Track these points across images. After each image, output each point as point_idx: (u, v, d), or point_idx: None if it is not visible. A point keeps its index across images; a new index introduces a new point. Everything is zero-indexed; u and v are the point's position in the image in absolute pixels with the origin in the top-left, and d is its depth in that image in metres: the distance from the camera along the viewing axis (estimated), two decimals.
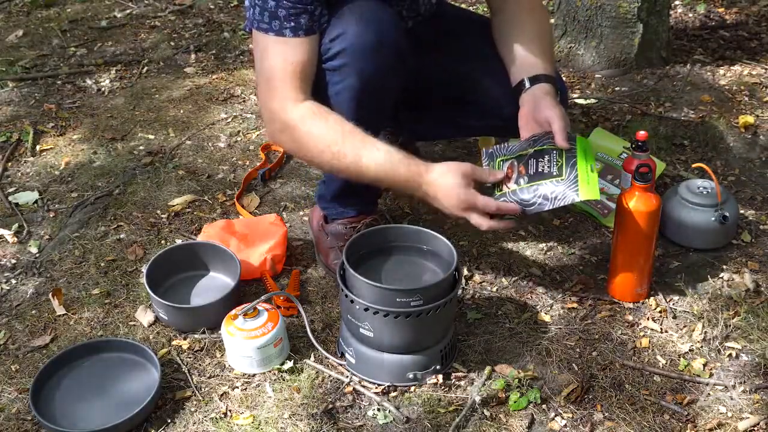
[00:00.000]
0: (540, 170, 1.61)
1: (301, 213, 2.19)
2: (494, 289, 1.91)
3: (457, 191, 1.58)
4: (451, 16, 2.02)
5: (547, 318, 1.82)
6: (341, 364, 1.69)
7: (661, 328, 1.78)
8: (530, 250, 2.04)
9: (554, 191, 1.58)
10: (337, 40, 1.63)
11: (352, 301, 1.58)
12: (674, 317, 1.81)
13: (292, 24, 1.61)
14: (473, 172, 1.60)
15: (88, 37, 3.37)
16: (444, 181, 1.59)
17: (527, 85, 1.72)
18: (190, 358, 1.74)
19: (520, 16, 1.83)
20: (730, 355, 1.71)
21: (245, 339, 1.65)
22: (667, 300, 1.86)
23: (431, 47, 1.92)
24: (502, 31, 1.84)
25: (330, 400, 1.61)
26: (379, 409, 1.59)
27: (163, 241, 2.10)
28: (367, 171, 1.63)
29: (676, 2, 3.38)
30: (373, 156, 1.61)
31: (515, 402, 1.59)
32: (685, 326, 1.79)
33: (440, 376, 1.65)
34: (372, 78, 1.64)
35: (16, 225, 2.17)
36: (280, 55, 1.64)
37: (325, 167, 1.72)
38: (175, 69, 3.07)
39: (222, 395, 1.64)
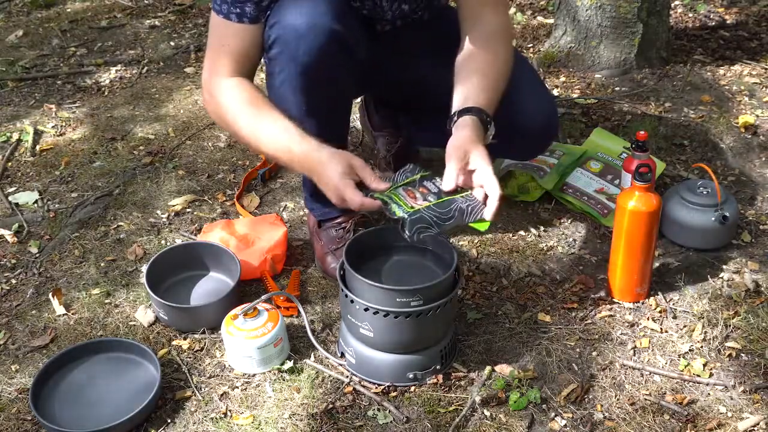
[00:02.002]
0: (440, 189, 1.57)
1: (301, 213, 2.19)
2: (494, 289, 1.91)
3: (336, 180, 1.54)
4: (449, 23, 1.98)
5: (547, 318, 1.82)
6: (341, 364, 1.69)
7: (661, 328, 1.78)
8: (530, 250, 2.04)
9: (467, 204, 1.54)
10: (273, 27, 1.65)
11: (352, 301, 1.58)
12: (674, 317, 1.81)
13: (238, 10, 1.65)
14: (361, 168, 1.56)
15: (88, 37, 3.37)
16: (329, 165, 1.56)
17: (455, 118, 1.66)
18: (190, 358, 1.74)
19: (476, 47, 1.74)
20: (730, 355, 1.71)
21: (245, 339, 1.65)
22: (667, 300, 1.86)
23: (426, 53, 1.90)
24: (457, 59, 1.75)
25: (330, 400, 1.61)
26: (379, 409, 1.59)
27: (163, 241, 2.10)
28: (265, 146, 1.66)
29: (676, 2, 3.38)
30: (269, 131, 1.63)
31: (515, 402, 1.59)
32: (685, 326, 1.79)
33: (440, 376, 1.65)
34: (307, 64, 1.63)
35: (16, 225, 2.17)
36: (222, 36, 1.69)
37: (238, 140, 1.82)
38: (175, 69, 3.07)
39: (222, 395, 1.64)
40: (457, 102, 1.66)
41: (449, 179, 1.55)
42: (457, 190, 1.55)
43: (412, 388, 1.64)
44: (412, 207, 1.52)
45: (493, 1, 1.75)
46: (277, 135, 1.62)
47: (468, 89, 1.67)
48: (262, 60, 1.75)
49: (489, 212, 1.51)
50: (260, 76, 2.08)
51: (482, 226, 1.53)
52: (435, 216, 1.51)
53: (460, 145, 1.57)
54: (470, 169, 1.55)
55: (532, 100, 1.84)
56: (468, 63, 1.72)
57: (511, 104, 1.76)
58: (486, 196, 1.52)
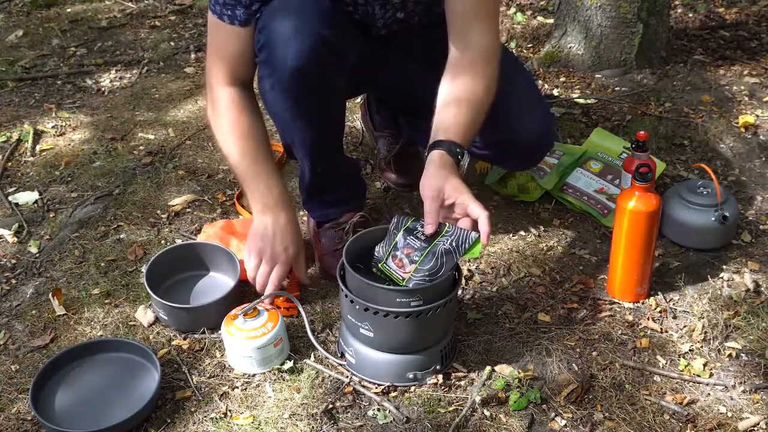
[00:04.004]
0: (422, 239, 1.58)
1: (301, 213, 2.19)
2: (494, 289, 1.91)
3: (295, 241, 1.80)
4: (445, 28, 1.95)
5: (547, 318, 1.82)
6: (341, 364, 1.69)
7: (661, 328, 1.78)
8: (530, 250, 2.03)
9: (451, 241, 1.55)
10: (262, 32, 1.66)
11: (352, 301, 1.58)
12: (674, 317, 1.81)
13: (229, 13, 1.67)
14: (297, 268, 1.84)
15: (88, 37, 3.37)
16: (294, 226, 1.80)
17: (426, 153, 1.63)
18: (190, 358, 1.74)
19: (460, 69, 1.69)
20: (730, 355, 1.71)
21: (245, 339, 1.65)
22: (667, 300, 1.86)
23: (421, 57, 1.88)
24: (441, 81, 1.71)
25: (330, 400, 1.61)
26: (379, 409, 1.59)
27: (163, 241, 2.10)
28: (235, 170, 1.81)
29: (676, 2, 3.38)
30: (254, 178, 1.78)
31: (515, 402, 1.59)
32: (685, 326, 1.79)
33: (440, 376, 1.65)
34: (296, 68, 1.63)
35: (16, 225, 2.17)
36: (217, 38, 1.73)
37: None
38: (175, 69, 3.07)
39: (222, 395, 1.64)
40: (432, 133, 1.64)
41: (429, 222, 1.56)
42: (437, 231, 1.57)
43: (412, 388, 1.64)
44: (402, 278, 1.57)
45: (481, 20, 1.69)
46: (258, 176, 1.78)
47: (442, 120, 1.64)
48: None
49: (484, 236, 1.51)
50: None
51: (474, 254, 1.55)
52: (426, 275, 1.55)
53: (432, 184, 1.56)
54: (448, 204, 1.56)
55: (527, 120, 1.82)
56: (448, 90, 1.68)
57: (505, 122, 1.75)
58: (475, 222, 1.53)
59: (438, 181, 1.56)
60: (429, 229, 1.56)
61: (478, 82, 1.68)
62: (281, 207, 1.78)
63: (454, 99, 1.66)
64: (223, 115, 1.77)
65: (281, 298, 1.83)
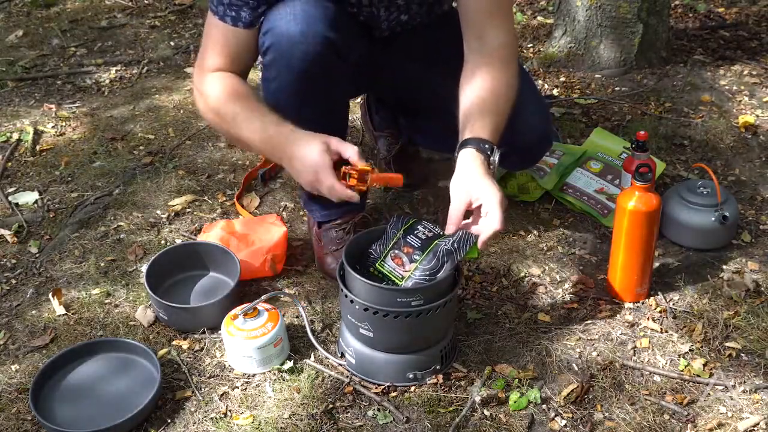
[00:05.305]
0: (423, 238, 1.59)
1: (301, 213, 2.19)
2: (494, 289, 1.91)
3: (315, 157, 1.55)
4: (447, 28, 1.88)
5: (547, 318, 1.82)
6: (341, 364, 1.69)
7: (661, 328, 1.78)
8: (530, 250, 2.04)
9: (453, 242, 1.55)
10: (267, 34, 1.65)
11: (351, 301, 1.58)
12: (674, 317, 1.81)
13: (233, 14, 1.66)
14: (338, 143, 1.57)
15: (88, 37, 3.37)
16: (307, 144, 1.56)
17: (456, 153, 1.60)
18: (190, 358, 1.74)
19: (479, 69, 1.67)
20: (730, 355, 1.71)
21: (245, 339, 1.65)
22: (667, 300, 1.86)
23: (423, 58, 1.88)
24: (461, 80, 1.69)
25: (330, 400, 1.61)
26: (379, 409, 1.59)
27: (163, 241, 2.10)
28: (242, 132, 1.65)
29: (676, 2, 3.38)
30: (246, 116, 1.64)
31: (515, 402, 1.59)
32: (685, 326, 1.79)
33: (440, 376, 1.65)
34: (302, 71, 1.63)
35: (16, 225, 2.17)
36: (216, 37, 1.70)
37: (219, 132, 1.81)
38: (175, 69, 3.07)
39: (222, 395, 1.64)
40: (459, 134, 1.62)
41: (451, 223, 1.53)
42: (440, 234, 1.58)
43: (412, 388, 1.64)
44: (402, 277, 1.58)
45: (496, 18, 1.68)
46: (254, 120, 1.63)
47: (468, 119, 1.62)
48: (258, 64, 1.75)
49: (480, 242, 1.51)
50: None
51: (472, 254, 1.56)
52: (426, 274, 1.55)
53: (462, 184, 1.54)
54: (476, 205, 1.53)
55: (526, 120, 1.81)
56: (470, 88, 1.66)
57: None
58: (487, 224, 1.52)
59: (468, 183, 1.53)
60: (450, 229, 1.54)
61: (498, 78, 1.66)
62: (285, 147, 1.62)
63: (477, 97, 1.64)
64: (218, 89, 1.69)
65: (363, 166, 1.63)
